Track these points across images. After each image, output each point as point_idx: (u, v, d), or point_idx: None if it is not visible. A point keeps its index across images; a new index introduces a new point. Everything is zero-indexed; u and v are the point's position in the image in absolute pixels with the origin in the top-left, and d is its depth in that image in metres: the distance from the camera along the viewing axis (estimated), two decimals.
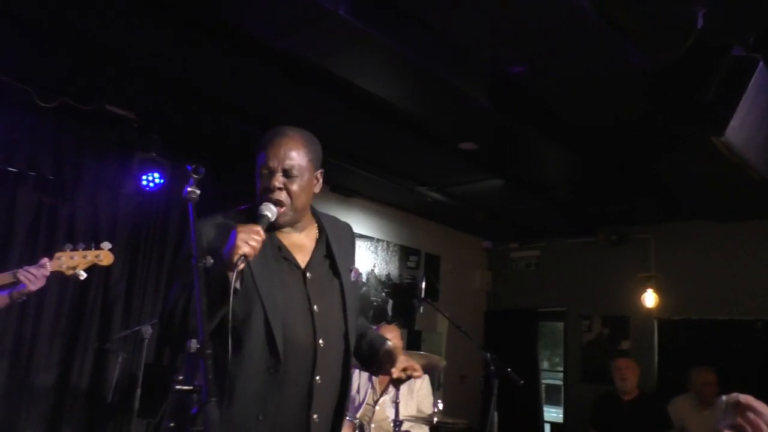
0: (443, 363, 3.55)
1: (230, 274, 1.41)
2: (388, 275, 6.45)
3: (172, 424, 1.37)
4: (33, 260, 3.88)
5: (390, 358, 1.78)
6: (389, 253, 6.51)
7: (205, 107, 4.08)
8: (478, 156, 4.82)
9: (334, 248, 1.77)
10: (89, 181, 4.24)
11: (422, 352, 3.67)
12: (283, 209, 1.65)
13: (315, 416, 1.60)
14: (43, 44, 3.38)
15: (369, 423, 3.69)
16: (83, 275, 2.77)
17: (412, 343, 6.26)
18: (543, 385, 7.53)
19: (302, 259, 1.71)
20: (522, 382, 3.22)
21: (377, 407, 3.84)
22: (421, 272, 6.77)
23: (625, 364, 4.88)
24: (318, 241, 1.77)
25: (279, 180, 1.64)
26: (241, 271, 1.45)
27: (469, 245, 7.61)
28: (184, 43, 3.34)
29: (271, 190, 1.64)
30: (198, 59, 3.52)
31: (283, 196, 1.65)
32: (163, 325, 1.57)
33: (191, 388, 1.12)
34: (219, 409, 1.48)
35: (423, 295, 3.69)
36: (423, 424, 3.64)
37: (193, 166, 1.54)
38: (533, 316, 7.28)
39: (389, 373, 1.80)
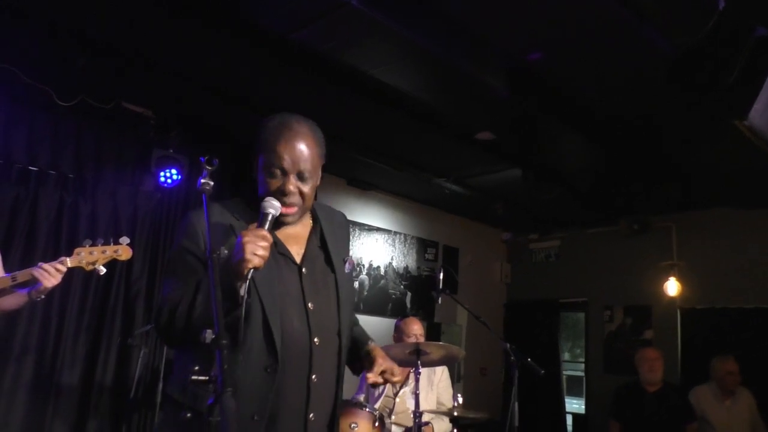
0: (462, 354, 3.54)
1: (239, 284, 1.38)
2: (406, 268, 6.44)
3: (189, 415, 1.36)
4: (56, 257, 3.96)
5: (369, 360, 1.72)
6: (407, 245, 6.50)
7: (221, 102, 4.10)
8: (496, 146, 4.78)
9: (328, 239, 1.72)
10: (109, 179, 4.29)
11: (441, 343, 3.65)
12: (294, 209, 1.62)
13: (311, 415, 1.56)
14: (61, 44, 3.41)
15: (389, 415, 3.69)
16: (103, 270, 2.82)
17: (432, 336, 6.25)
18: (564, 377, 7.47)
19: (297, 252, 1.66)
20: (543, 372, 3.19)
21: (397, 399, 3.84)
22: (439, 265, 6.74)
23: (654, 354, 4.81)
24: (312, 232, 1.72)
25: (294, 184, 1.59)
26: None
27: (487, 237, 7.57)
28: (199, 38, 3.35)
29: (285, 193, 1.58)
30: (213, 54, 3.53)
31: (296, 199, 1.61)
32: (163, 324, 1.48)
33: (207, 378, 1.13)
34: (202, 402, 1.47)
35: (441, 287, 3.66)
36: (443, 416, 3.63)
37: (207, 158, 1.53)
38: (554, 307, 7.21)
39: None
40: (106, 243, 2.82)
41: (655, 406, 4.63)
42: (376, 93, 3.88)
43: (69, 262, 2.72)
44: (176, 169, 4.28)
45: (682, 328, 6.15)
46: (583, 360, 7.25)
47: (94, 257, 2.78)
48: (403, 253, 6.44)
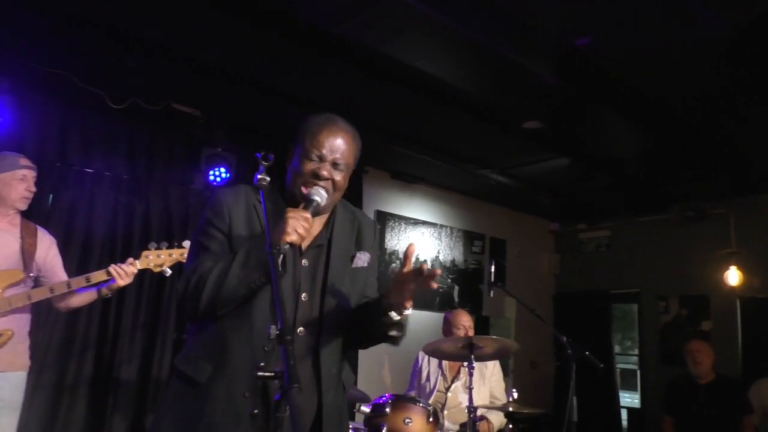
0: (516, 347, 3.48)
1: (277, 256, 1.41)
2: (452, 261, 6.38)
3: (255, 411, 1.36)
4: (112, 257, 4.10)
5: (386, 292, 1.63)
6: (453, 238, 6.44)
7: (267, 99, 4.13)
8: (543, 135, 4.68)
9: (335, 234, 1.74)
10: (160, 179, 4.38)
11: (493, 337, 3.60)
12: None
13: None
14: (112, 48, 3.49)
15: (442, 410, 3.66)
16: (169, 272, 2.96)
17: (481, 329, 6.17)
18: (618, 370, 7.29)
19: (304, 243, 1.68)
20: (602, 366, 3.11)
21: (449, 394, 3.81)
22: (487, 257, 6.66)
23: (697, 346, 4.63)
24: (324, 227, 1.75)
25: (328, 170, 1.64)
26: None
27: (535, 228, 7.44)
28: (245, 37, 3.38)
29: (319, 177, 1.63)
30: (258, 51, 3.56)
31: (328, 185, 1.65)
32: (190, 292, 1.54)
33: (273, 374, 1.13)
34: (207, 378, 1.52)
35: (493, 280, 3.60)
36: (498, 411, 3.58)
37: (262, 153, 1.55)
38: (605, 298, 7.04)
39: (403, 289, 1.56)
40: (170, 246, 2.95)
41: (708, 399, 4.46)
42: (420, 85, 3.85)
43: (138, 264, 2.87)
44: (225, 168, 4.34)
45: (742, 319, 5.91)
46: (634, 352, 7.08)
47: (161, 260, 2.92)
48: (450, 247, 6.38)
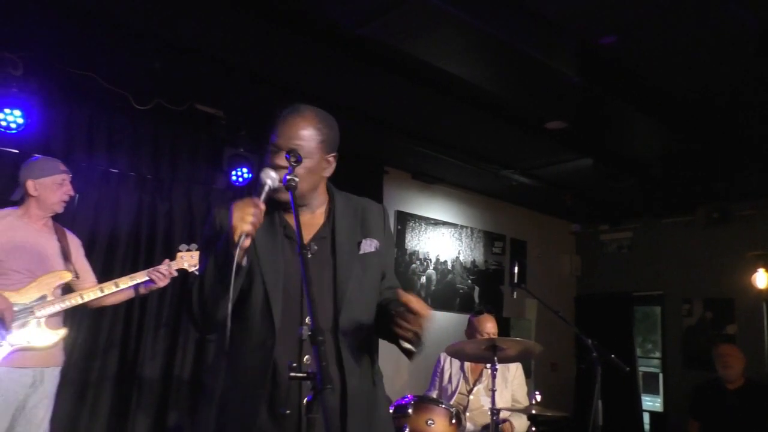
0: (539, 348, 3.44)
1: (234, 251, 1.41)
2: (473, 262, 6.35)
3: (288, 411, 1.36)
4: (136, 256, 4.14)
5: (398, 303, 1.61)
6: (473, 239, 6.41)
7: (290, 99, 4.12)
8: (567, 135, 4.63)
9: (338, 225, 1.72)
10: (183, 179, 4.41)
11: (517, 339, 3.57)
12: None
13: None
14: (137, 49, 3.53)
15: (464, 412, 3.64)
16: None
17: (501, 331, 6.10)
18: (640, 373, 7.20)
19: (306, 237, 1.65)
20: (627, 369, 3.07)
21: (471, 396, 3.79)
22: (507, 258, 6.62)
23: (728, 350, 4.55)
24: (326, 220, 1.74)
25: (283, 159, 1.61)
26: (246, 248, 1.45)
27: (556, 229, 7.38)
28: (267, 37, 3.39)
29: (274, 168, 1.61)
30: (281, 52, 3.57)
31: (293, 176, 1.60)
32: (187, 308, 1.59)
33: (306, 375, 1.12)
34: (220, 385, 1.53)
35: (516, 281, 3.57)
36: (520, 413, 3.55)
37: (291, 153, 1.55)
38: (628, 300, 6.95)
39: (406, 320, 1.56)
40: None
41: (737, 404, 4.39)
42: (442, 84, 3.84)
43: (174, 264, 2.99)
44: (247, 168, 4.36)
45: None
46: (656, 355, 6.98)
47: (194, 260, 3.03)
48: (470, 247, 6.35)
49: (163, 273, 2.97)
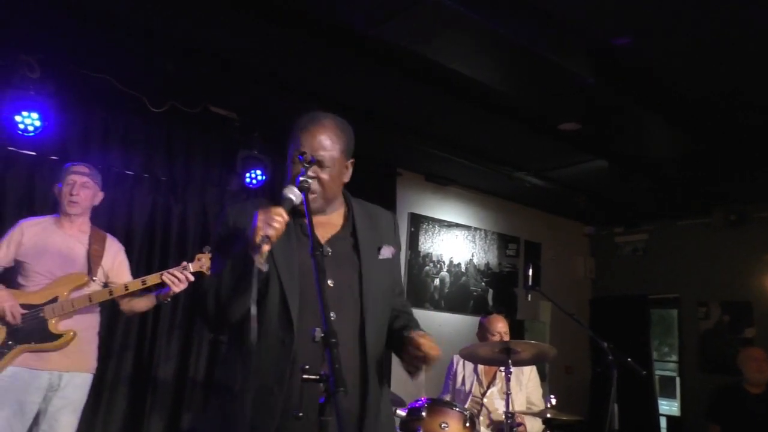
0: (553, 352, 3.41)
1: (254, 255, 1.43)
2: (487, 264, 6.32)
3: (300, 414, 1.36)
4: (150, 257, 4.17)
5: (411, 340, 1.69)
6: (487, 241, 6.38)
7: (303, 101, 4.15)
8: (581, 136, 4.60)
9: (358, 227, 1.76)
10: (197, 181, 4.44)
11: (531, 341, 3.54)
12: (313, 196, 1.66)
13: None
14: (152, 51, 3.55)
15: (478, 415, 3.62)
16: None
17: (515, 333, 6.07)
18: (656, 377, 7.12)
19: (324, 236, 1.71)
20: (644, 372, 3.03)
21: (485, 399, 3.76)
22: (521, 260, 6.59)
23: (759, 354, 4.51)
24: (345, 221, 1.78)
25: (312, 169, 1.65)
26: (265, 253, 1.46)
27: (570, 231, 7.33)
28: (280, 39, 3.41)
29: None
30: (294, 54, 3.58)
31: (314, 185, 1.65)
32: (201, 307, 1.62)
33: (318, 377, 1.12)
34: (234, 384, 1.54)
35: (531, 283, 3.54)
36: (535, 417, 3.53)
37: (304, 155, 1.56)
38: (643, 303, 6.88)
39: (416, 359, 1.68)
40: None
41: (761, 409, 4.33)
42: (455, 86, 3.83)
43: (191, 267, 2.95)
44: (261, 170, 4.37)
45: None
46: (673, 359, 6.90)
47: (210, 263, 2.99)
48: (484, 249, 6.32)
49: (177, 276, 2.91)
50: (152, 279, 2.97)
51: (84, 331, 2.96)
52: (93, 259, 3.02)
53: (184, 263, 2.96)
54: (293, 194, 1.56)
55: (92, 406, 3.87)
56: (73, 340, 2.89)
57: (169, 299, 3.07)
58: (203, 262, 2.95)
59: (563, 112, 4.25)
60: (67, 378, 2.90)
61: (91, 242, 3.07)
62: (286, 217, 1.49)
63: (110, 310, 3.45)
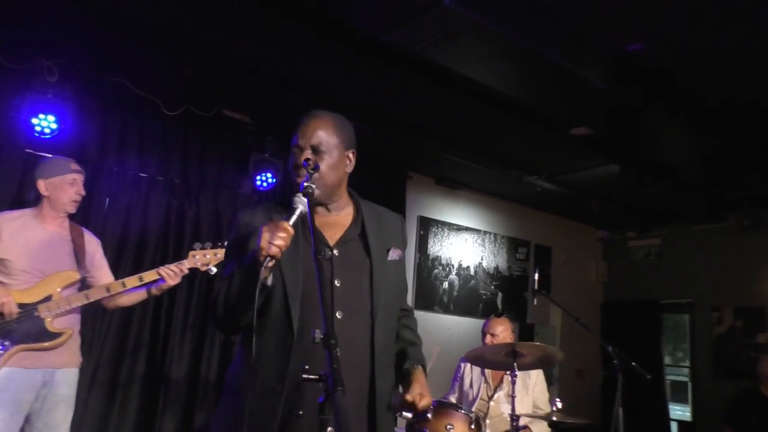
0: (560, 355, 3.41)
1: (259, 270, 1.45)
2: (496, 268, 6.33)
3: (300, 412, 1.40)
4: (164, 258, 4.23)
5: (407, 381, 1.78)
6: (497, 245, 6.39)
7: (316, 105, 4.17)
8: (593, 141, 4.60)
9: (368, 228, 1.77)
10: (211, 183, 4.50)
11: (536, 344, 3.54)
12: (313, 186, 1.64)
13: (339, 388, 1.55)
14: (167, 55, 3.62)
15: (484, 418, 3.63)
16: (214, 270, 3.05)
17: (525, 337, 6.10)
18: (668, 382, 7.07)
19: (332, 237, 1.72)
20: (649, 377, 3.03)
21: (492, 402, 3.78)
22: (532, 264, 6.58)
23: None
24: (353, 222, 1.78)
25: (305, 154, 1.67)
26: (271, 268, 1.49)
27: (582, 235, 7.31)
28: (294, 43, 3.45)
29: (299, 166, 1.66)
30: (308, 58, 3.62)
31: (314, 176, 1.65)
32: (211, 310, 1.66)
33: (317, 377, 1.15)
34: (242, 384, 1.58)
35: (537, 287, 3.55)
36: (541, 420, 3.53)
37: (309, 161, 1.59)
38: (655, 307, 6.85)
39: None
40: (215, 246, 3.07)
41: None
42: (467, 91, 3.85)
43: (186, 263, 2.99)
44: (271, 173, 4.42)
45: None
46: (686, 364, 6.85)
47: (207, 259, 3.04)
48: (494, 253, 6.33)
49: (174, 270, 2.95)
50: (149, 276, 2.97)
51: (73, 327, 2.94)
52: (79, 256, 2.97)
53: (182, 261, 3.02)
54: (302, 204, 1.55)
55: (106, 405, 3.95)
56: (71, 337, 2.89)
57: (159, 293, 3.06)
58: (197, 258, 2.99)
59: (575, 117, 4.25)
60: (60, 375, 2.88)
61: (74, 237, 3.01)
62: (291, 231, 1.50)
63: (121, 310, 3.49)
